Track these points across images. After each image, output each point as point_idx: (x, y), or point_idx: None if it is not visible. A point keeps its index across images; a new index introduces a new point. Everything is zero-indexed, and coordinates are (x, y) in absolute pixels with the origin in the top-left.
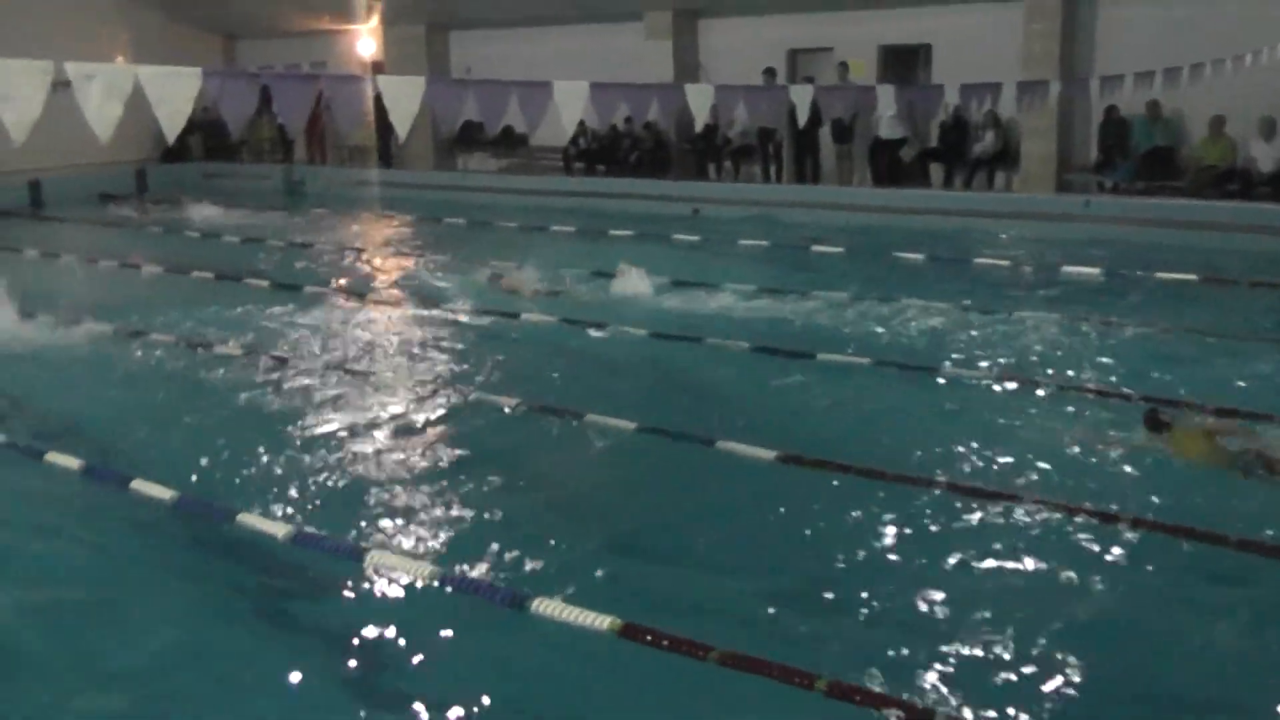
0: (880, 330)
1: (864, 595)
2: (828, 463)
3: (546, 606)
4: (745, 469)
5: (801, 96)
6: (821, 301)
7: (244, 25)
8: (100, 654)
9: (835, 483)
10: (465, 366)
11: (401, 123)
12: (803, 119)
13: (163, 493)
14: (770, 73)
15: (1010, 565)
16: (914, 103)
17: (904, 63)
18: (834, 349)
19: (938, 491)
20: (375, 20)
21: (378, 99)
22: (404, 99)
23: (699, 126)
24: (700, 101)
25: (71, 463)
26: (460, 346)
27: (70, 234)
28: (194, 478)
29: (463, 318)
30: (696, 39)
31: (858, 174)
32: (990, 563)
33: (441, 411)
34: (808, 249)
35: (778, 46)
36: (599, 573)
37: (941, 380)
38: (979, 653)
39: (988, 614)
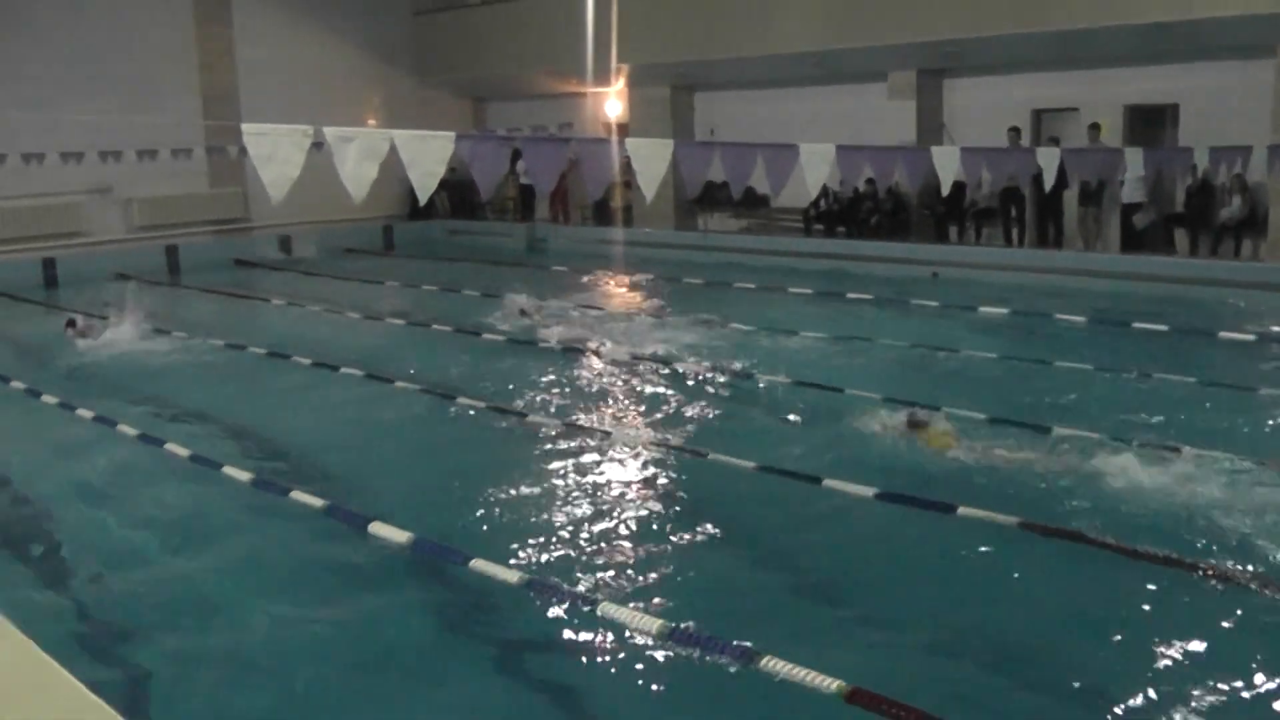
0: (1119, 404)
1: (1108, 680)
2: (1064, 531)
3: (775, 664)
4: (985, 535)
5: (1048, 158)
6: (1061, 371)
7: (493, 88)
8: (334, 687)
9: (1073, 555)
10: (701, 426)
11: (649, 184)
12: (1049, 182)
13: (399, 535)
14: (1015, 132)
15: None
16: (1160, 166)
17: (1150, 123)
18: (1072, 423)
19: (1196, 575)
20: (621, 83)
21: (625, 160)
22: (653, 160)
23: (945, 189)
24: (946, 163)
25: (315, 502)
26: (698, 405)
27: (317, 285)
28: (430, 522)
29: (700, 376)
30: (940, 99)
31: (1102, 238)
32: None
33: (676, 469)
34: (1050, 316)
35: (1022, 106)
36: (828, 634)
37: (1181, 460)
38: None
39: None
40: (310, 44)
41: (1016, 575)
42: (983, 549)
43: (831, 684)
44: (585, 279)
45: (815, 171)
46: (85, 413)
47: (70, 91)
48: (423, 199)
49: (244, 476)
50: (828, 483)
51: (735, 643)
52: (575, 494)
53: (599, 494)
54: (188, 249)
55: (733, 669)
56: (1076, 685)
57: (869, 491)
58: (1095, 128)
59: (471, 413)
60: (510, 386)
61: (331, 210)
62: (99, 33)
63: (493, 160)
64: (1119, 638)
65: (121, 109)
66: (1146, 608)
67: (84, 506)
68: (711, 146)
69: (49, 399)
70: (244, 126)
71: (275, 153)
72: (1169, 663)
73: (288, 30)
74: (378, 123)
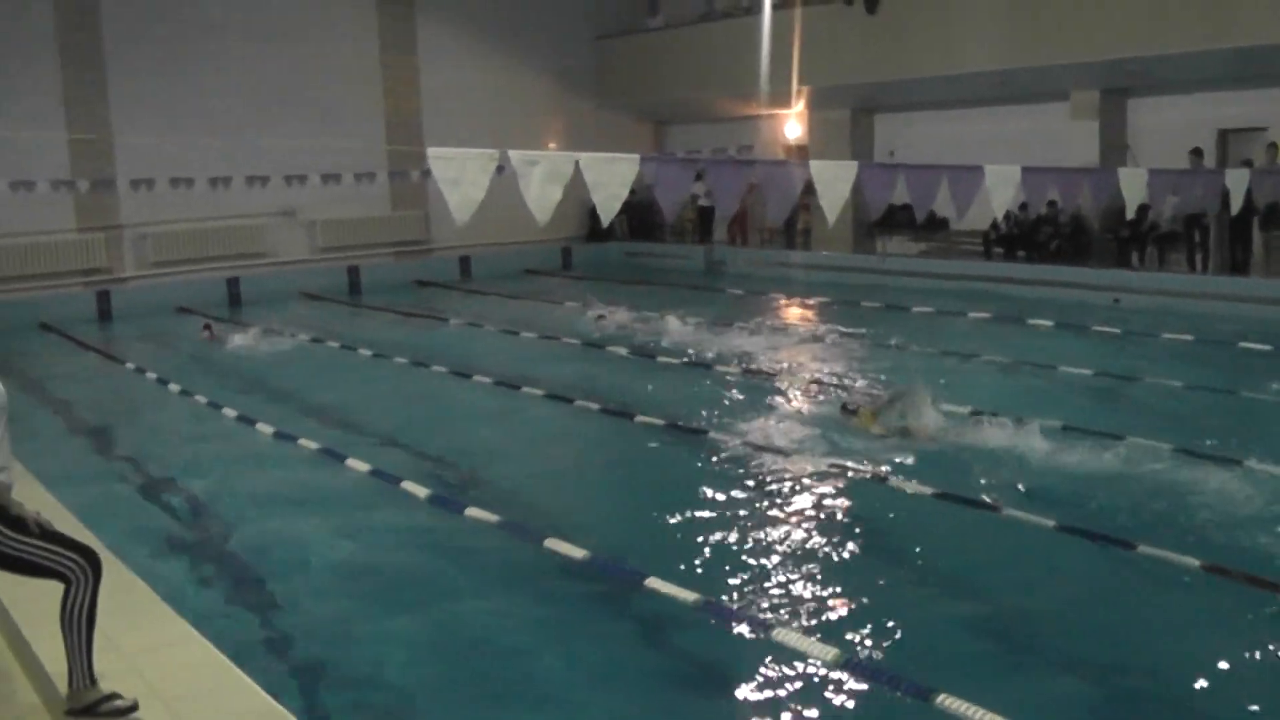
0: None
1: None
2: (1256, 579)
3: (952, 703)
4: (1168, 576)
5: (1238, 180)
6: (1248, 403)
7: (673, 111)
8: (505, 695)
9: (1258, 601)
10: (877, 451)
11: (832, 207)
12: (1237, 205)
13: (575, 551)
14: (1197, 153)
15: None
16: None
17: None
18: (1264, 457)
19: None
20: (801, 105)
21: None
22: (836, 183)
23: (1130, 213)
24: (1133, 186)
25: (489, 518)
26: (879, 432)
27: (494, 306)
28: (606, 538)
29: (871, 400)
30: (1124, 118)
31: None
32: None
33: (851, 493)
34: (1234, 345)
35: (1208, 126)
36: (1007, 675)
37: None
38: None
39: None
40: (492, 70)
41: (1195, 617)
42: (1163, 589)
43: None
44: (762, 301)
45: (1001, 194)
46: (266, 428)
47: (256, 118)
48: (605, 221)
49: (421, 492)
50: (1008, 512)
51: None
52: (752, 515)
53: (775, 516)
54: (369, 269)
55: (908, 703)
56: None
57: (1048, 523)
58: (1274, 148)
59: (649, 431)
60: (687, 406)
61: (511, 232)
62: (286, 61)
63: (677, 182)
64: None
65: (307, 135)
66: None
67: (271, 517)
68: (895, 169)
69: (228, 411)
70: (430, 151)
71: (461, 176)
72: None
73: (470, 56)
74: (558, 146)
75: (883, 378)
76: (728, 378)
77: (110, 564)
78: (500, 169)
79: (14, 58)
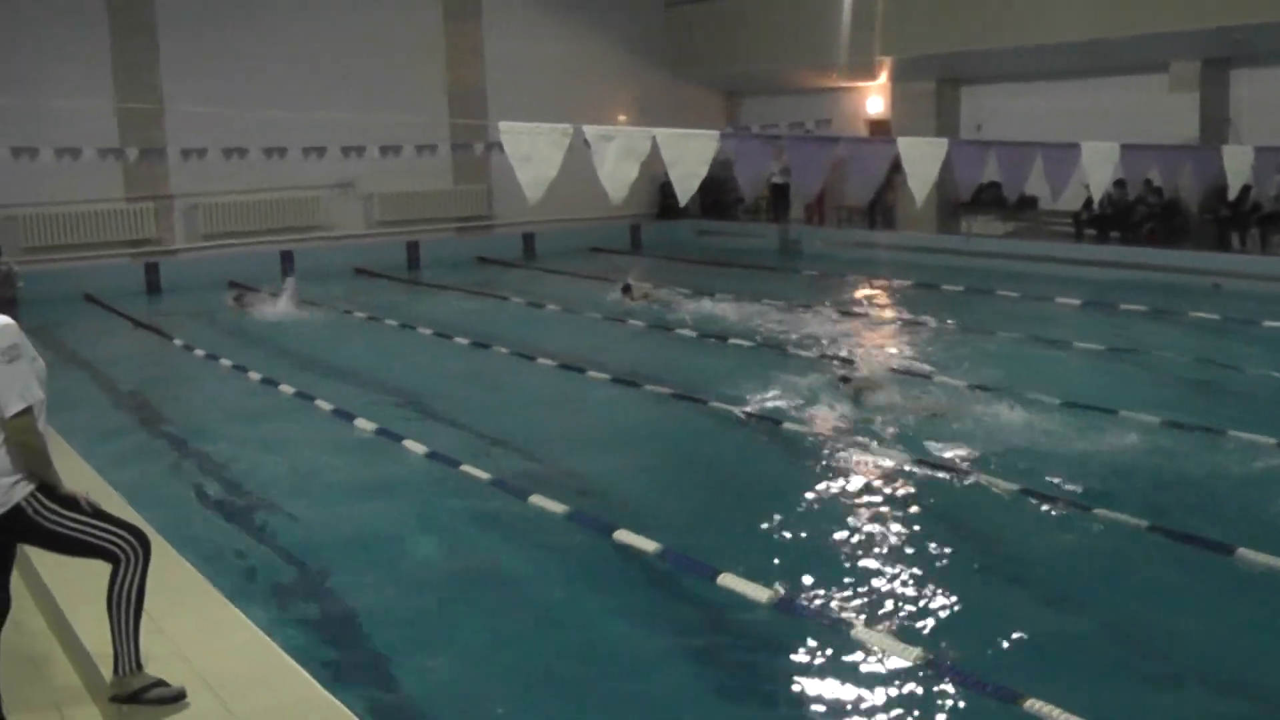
0: None
1: None
2: None
3: (1041, 708)
4: (1269, 582)
5: None
6: None
7: (749, 83)
8: (573, 692)
9: None
10: (959, 443)
11: (920, 186)
12: None
13: (646, 544)
14: None
15: None
16: None
17: None
18: None
19: None
20: (884, 77)
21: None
22: (925, 161)
23: (1233, 193)
24: (1238, 164)
25: (556, 508)
26: (955, 421)
27: (557, 285)
28: (677, 531)
29: (960, 390)
30: (1227, 91)
31: None
32: None
33: (933, 489)
34: None
35: None
36: (1099, 683)
37: None
38: None
39: None
40: (559, 38)
41: None
42: (1266, 596)
43: None
44: (838, 283)
45: (1098, 172)
46: (325, 404)
47: (313, 87)
48: (682, 200)
49: (483, 476)
50: (1098, 511)
51: (999, 683)
52: (828, 509)
53: (853, 510)
54: (429, 245)
55: (993, 708)
56: None
57: (1141, 523)
58: None
59: (722, 419)
60: (762, 394)
61: (577, 208)
62: (345, 27)
63: (757, 160)
64: None
65: (365, 105)
66: None
67: (326, 501)
68: (987, 146)
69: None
70: (501, 125)
71: (533, 152)
72: None
73: (537, 25)
74: (628, 119)
75: (965, 365)
76: (803, 363)
77: (157, 545)
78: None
79: (61, 21)
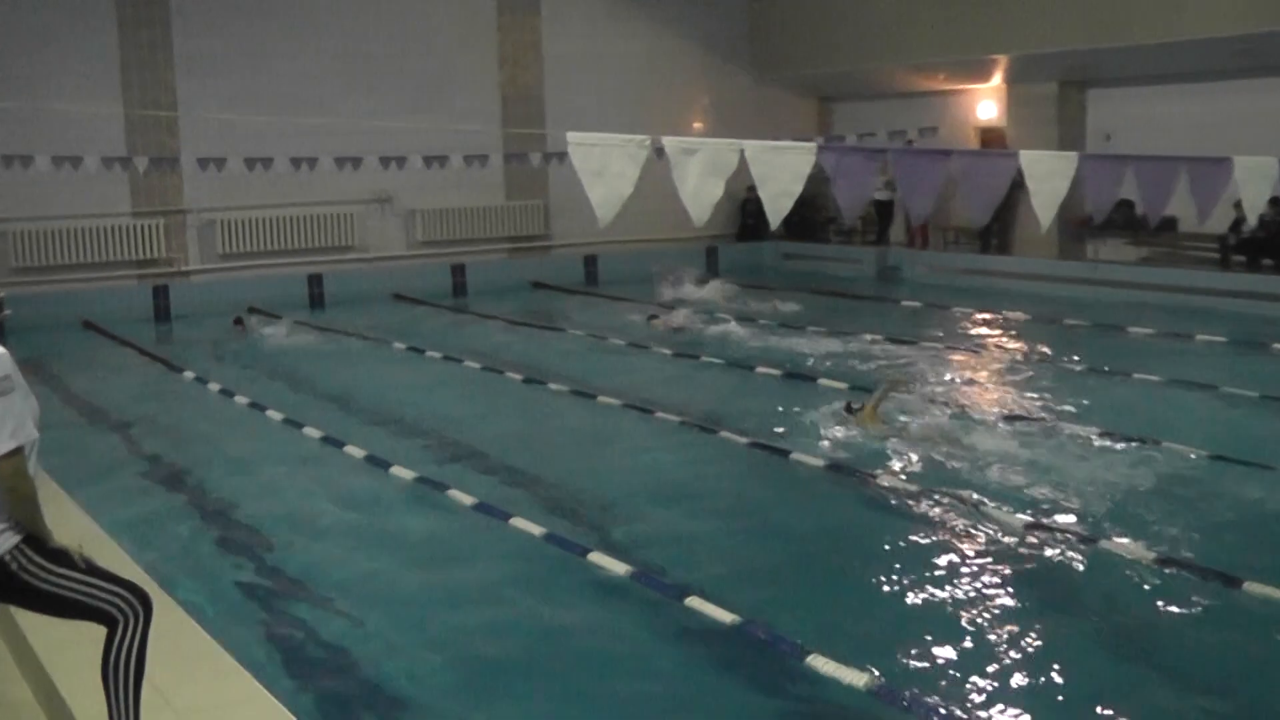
0: None
1: None
2: None
3: None
4: None
5: None
6: None
7: (841, 87)
8: None
9: None
10: (1085, 504)
11: (1046, 206)
12: None
13: (723, 615)
14: None
15: None
16: None
17: None
18: None
19: None
20: (998, 78)
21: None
22: (1052, 178)
23: None
24: None
25: (619, 568)
26: (1080, 477)
27: (620, 315)
28: (757, 600)
29: (1086, 441)
30: None
31: None
32: None
33: (1053, 553)
34: None
35: None
36: None
37: None
38: None
39: None
40: (627, 35)
41: None
42: None
43: None
44: (942, 315)
45: (1254, 191)
46: (357, 451)
47: (348, 89)
48: (774, 222)
49: (536, 530)
50: (1248, 586)
51: None
52: (931, 575)
53: (960, 578)
54: (477, 268)
55: None
56: None
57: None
58: None
59: (807, 473)
60: (851, 444)
61: (646, 228)
62: (383, 21)
63: (860, 176)
64: None
65: (407, 110)
66: None
67: (355, 557)
68: (1123, 160)
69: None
70: (569, 136)
71: (605, 167)
72: None
73: (603, 20)
74: (704, 127)
75: (1091, 411)
76: (899, 406)
77: (162, 605)
78: (657, 152)
79: (61, 12)
